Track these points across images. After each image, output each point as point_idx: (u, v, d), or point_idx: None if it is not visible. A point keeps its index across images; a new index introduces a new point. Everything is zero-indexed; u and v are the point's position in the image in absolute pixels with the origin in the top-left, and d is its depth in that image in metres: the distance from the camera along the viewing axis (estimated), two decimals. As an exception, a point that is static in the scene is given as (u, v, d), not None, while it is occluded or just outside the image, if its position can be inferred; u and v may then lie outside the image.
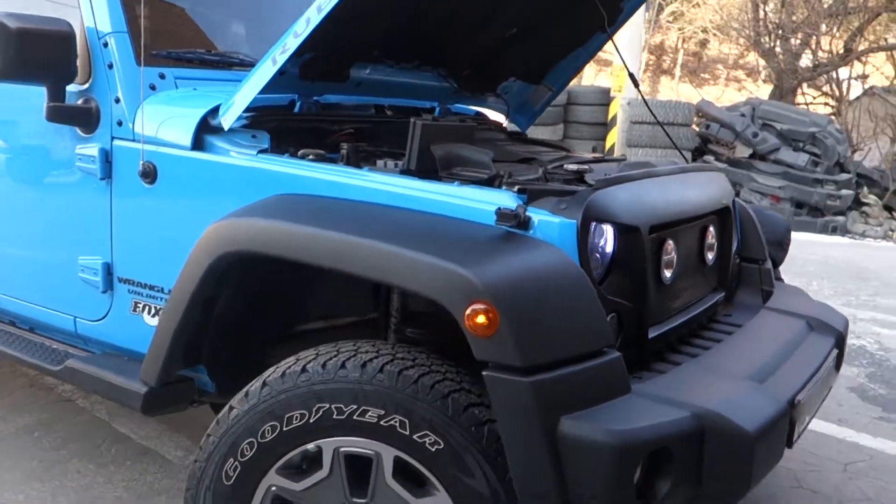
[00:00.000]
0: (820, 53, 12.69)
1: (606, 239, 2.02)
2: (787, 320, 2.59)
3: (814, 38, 12.73)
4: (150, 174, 2.36)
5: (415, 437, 1.83)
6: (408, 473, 1.89)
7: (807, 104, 13.31)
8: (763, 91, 18.13)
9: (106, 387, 2.42)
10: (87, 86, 2.49)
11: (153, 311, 2.45)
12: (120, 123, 2.43)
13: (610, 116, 11.46)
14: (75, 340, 2.74)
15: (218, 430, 1.98)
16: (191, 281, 2.10)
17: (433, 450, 1.82)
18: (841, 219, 10.31)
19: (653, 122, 10.57)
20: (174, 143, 2.34)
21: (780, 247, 3.22)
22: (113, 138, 2.45)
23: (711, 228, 2.57)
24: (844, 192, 10.45)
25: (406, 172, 2.12)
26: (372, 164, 2.22)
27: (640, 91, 3.21)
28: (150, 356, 2.26)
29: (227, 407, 2.01)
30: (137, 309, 2.48)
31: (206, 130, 2.33)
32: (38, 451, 3.23)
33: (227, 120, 2.23)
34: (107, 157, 2.46)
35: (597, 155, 2.83)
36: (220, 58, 2.68)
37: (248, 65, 2.74)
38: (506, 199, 1.94)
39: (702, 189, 2.52)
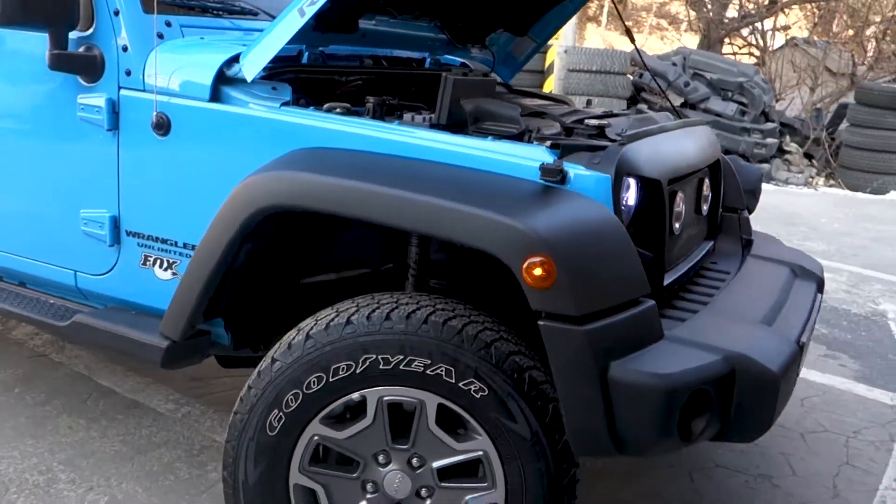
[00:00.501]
0: (746, 4, 13.02)
1: (631, 192, 2.11)
2: (774, 267, 2.75)
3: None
4: (163, 126, 2.32)
5: (460, 384, 1.90)
6: (448, 418, 1.97)
7: (734, 54, 13.70)
8: (686, 40, 18.50)
9: (121, 341, 2.40)
10: (89, 33, 2.40)
11: (165, 264, 2.42)
12: (129, 73, 2.36)
13: (547, 64, 11.52)
14: (73, 295, 2.69)
15: (260, 382, 2.01)
16: (224, 234, 2.09)
17: (478, 396, 1.90)
18: (766, 166, 10.75)
19: (590, 71, 10.71)
20: (190, 94, 2.30)
21: (753, 195, 3.39)
22: (120, 88, 2.38)
23: (707, 180, 2.69)
24: (770, 140, 10.88)
25: (436, 126, 2.15)
26: (395, 118, 2.24)
27: (636, 47, 3.28)
28: (174, 310, 2.26)
29: (267, 359, 2.03)
30: (148, 262, 2.45)
31: (222, 81, 2.29)
32: (23, 407, 3.17)
33: (250, 71, 2.20)
34: (114, 108, 2.39)
35: (603, 109, 2.90)
36: (224, 5, 2.61)
37: (248, 13, 2.69)
38: (540, 153, 2.00)
39: (701, 143, 2.63)
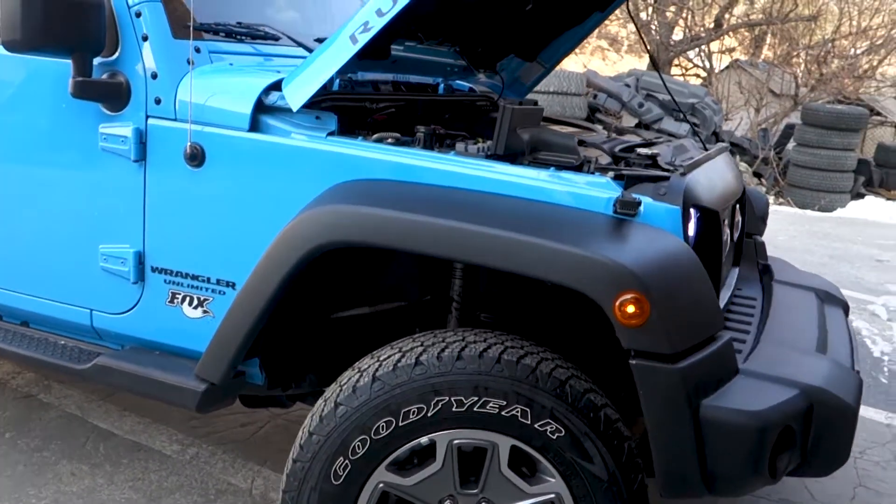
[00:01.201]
0: (693, 28, 13.36)
1: (692, 223, 2.08)
2: (801, 293, 2.76)
3: (686, 11, 13.37)
4: (197, 156, 2.20)
5: (536, 425, 1.84)
6: (519, 460, 1.90)
7: (682, 75, 14.03)
8: (627, 62, 18.88)
9: (151, 385, 2.26)
10: (113, 58, 2.27)
11: (196, 301, 2.30)
12: (158, 101, 2.24)
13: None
14: (86, 335, 2.53)
15: (323, 429, 1.90)
16: (277, 271, 1.99)
17: (554, 437, 1.84)
18: (719, 185, 10.99)
19: (548, 92, 10.79)
20: (226, 123, 2.19)
21: (762, 221, 3.43)
22: (148, 117, 2.26)
23: (737, 207, 2.70)
24: (722, 160, 11.15)
25: (493, 157, 2.09)
26: (445, 147, 2.17)
27: (659, 72, 3.28)
28: (215, 352, 2.14)
29: (329, 403, 1.93)
30: (176, 300, 2.32)
31: (260, 110, 2.19)
32: (18, 454, 2.97)
33: (296, 100, 2.10)
34: (141, 138, 2.26)
35: (641, 135, 2.88)
36: (249, 30, 2.50)
37: (271, 38, 2.59)
38: (608, 185, 1.95)
39: (734, 171, 2.63)
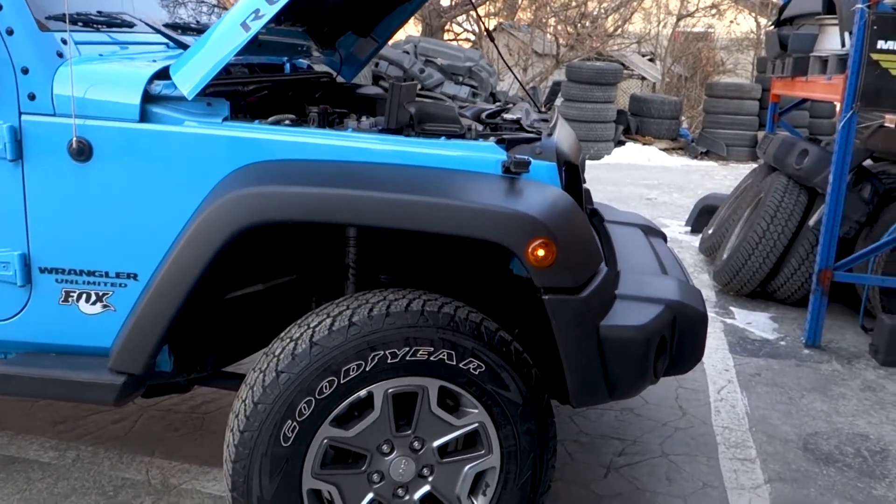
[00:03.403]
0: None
1: (561, 176, 2.41)
2: (629, 229, 3.22)
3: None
4: (84, 151, 2.17)
5: (460, 365, 2.08)
6: (445, 398, 2.14)
7: (455, 40, 14.64)
8: (406, 28, 19.33)
9: (62, 387, 2.22)
10: (-28, 55, 2.16)
11: (94, 297, 2.28)
12: (32, 97, 2.17)
13: (286, 58, 11.50)
14: (-40, 347, 2.40)
15: (268, 397, 2.01)
16: (199, 257, 2.05)
17: (476, 373, 2.10)
18: (501, 143, 11.72)
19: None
20: (113, 115, 2.18)
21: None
22: (22, 114, 2.18)
23: (574, 160, 3.08)
24: (501, 119, 11.88)
25: (386, 131, 2.27)
26: (340, 126, 2.32)
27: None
28: (133, 342, 2.16)
29: (270, 373, 2.04)
30: (70, 299, 2.28)
31: (147, 100, 2.20)
32: None
33: (189, 87, 2.13)
34: (15, 136, 2.18)
35: (500, 104, 3.14)
36: (108, 19, 2.46)
37: (126, 25, 2.56)
38: (494, 149, 2.21)
39: (572, 131, 3.00)
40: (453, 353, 2.07)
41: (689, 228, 7.48)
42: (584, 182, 3.66)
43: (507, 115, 2.52)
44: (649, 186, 9.74)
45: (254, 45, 2.64)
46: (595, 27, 13.89)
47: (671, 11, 17.61)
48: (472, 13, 13.83)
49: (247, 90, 2.59)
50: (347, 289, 2.48)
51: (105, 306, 2.28)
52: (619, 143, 12.79)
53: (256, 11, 2.11)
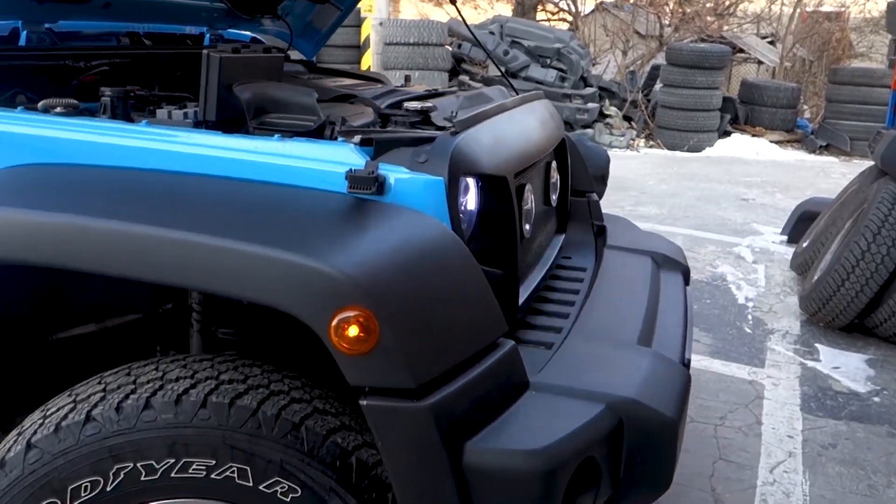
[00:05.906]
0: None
1: (471, 195, 1.62)
2: (634, 259, 2.37)
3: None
4: None
5: (260, 487, 1.35)
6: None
7: (548, 20, 13.68)
8: (498, 8, 18.44)
9: None
10: None
11: None
12: None
13: (363, 38, 10.95)
14: None
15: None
16: None
17: (287, 500, 1.36)
18: (589, 131, 10.76)
19: (408, 43, 10.24)
20: None
21: (602, 181, 3.03)
22: None
23: (554, 165, 2.27)
24: (591, 105, 10.90)
25: (201, 125, 1.56)
26: (150, 116, 1.62)
27: (462, 17, 2.78)
28: None
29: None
30: None
31: None
32: None
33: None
34: None
35: (427, 87, 2.38)
36: None
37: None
38: (347, 154, 1.46)
39: (545, 121, 2.19)
40: (247, 469, 1.34)
41: (785, 238, 6.35)
42: (599, 196, 2.84)
43: (412, 105, 1.74)
44: (749, 185, 8.56)
45: (96, 7, 1.99)
46: (705, 5, 12.59)
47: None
48: (569, -9, 12.83)
49: (82, 66, 1.93)
50: (192, 342, 1.79)
51: None
52: (725, 134, 11.51)
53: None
